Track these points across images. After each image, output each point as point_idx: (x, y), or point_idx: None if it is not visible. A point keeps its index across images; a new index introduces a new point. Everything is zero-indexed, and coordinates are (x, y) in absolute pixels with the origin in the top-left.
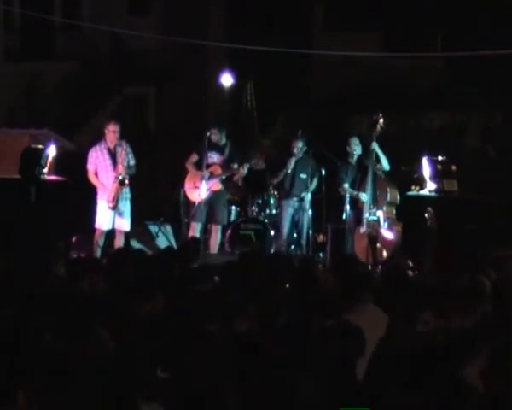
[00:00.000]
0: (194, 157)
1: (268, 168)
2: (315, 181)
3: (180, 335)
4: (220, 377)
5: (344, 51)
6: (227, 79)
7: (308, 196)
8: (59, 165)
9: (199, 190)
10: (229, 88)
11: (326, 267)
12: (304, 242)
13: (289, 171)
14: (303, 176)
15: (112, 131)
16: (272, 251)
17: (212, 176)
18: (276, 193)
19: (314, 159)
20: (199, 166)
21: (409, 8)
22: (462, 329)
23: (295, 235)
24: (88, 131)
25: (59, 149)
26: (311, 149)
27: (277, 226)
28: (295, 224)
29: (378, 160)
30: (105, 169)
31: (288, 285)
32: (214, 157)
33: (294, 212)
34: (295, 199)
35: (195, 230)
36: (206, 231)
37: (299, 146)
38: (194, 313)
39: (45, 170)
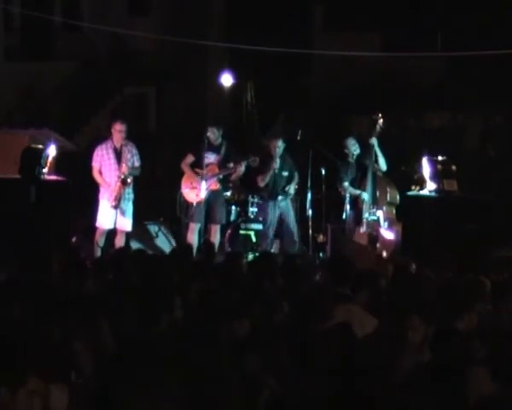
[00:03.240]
0: (190, 158)
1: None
2: (296, 177)
3: (181, 335)
4: (221, 377)
5: (344, 51)
6: (227, 79)
7: (291, 190)
8: (59, 165)
9: (196, 191)
10: (229, 88)
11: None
12: (297, 239)
13: (276, 171)
14: (285, 173)
15: (118, 131)
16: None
17: (209, 176)
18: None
19: (291, 158)
20: (195, 166)
21: (409, 8)
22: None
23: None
24: (88, 131)
25: (59, 149)
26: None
27: (263, 226)
28: (282, 223)
29: (376, 158)
30: (109, 168)
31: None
32: (211, 157)
33: (280, 211)
34: (280, 198)
35: (194, 230)
36: (205, 232)
37: (279, 145)
38: (195, 313)
39: (45, 170)
